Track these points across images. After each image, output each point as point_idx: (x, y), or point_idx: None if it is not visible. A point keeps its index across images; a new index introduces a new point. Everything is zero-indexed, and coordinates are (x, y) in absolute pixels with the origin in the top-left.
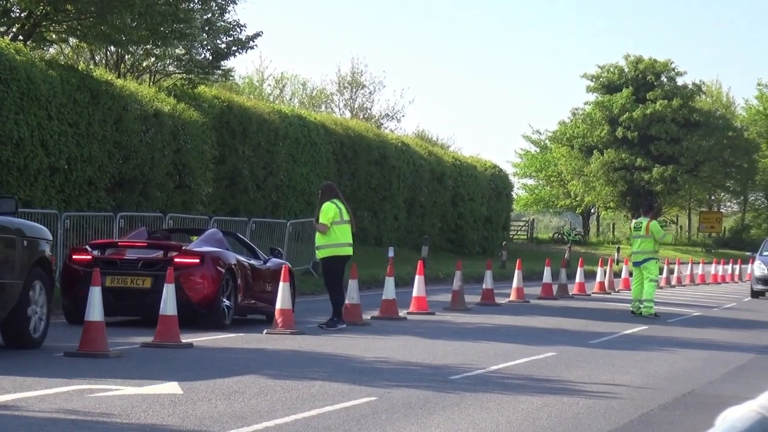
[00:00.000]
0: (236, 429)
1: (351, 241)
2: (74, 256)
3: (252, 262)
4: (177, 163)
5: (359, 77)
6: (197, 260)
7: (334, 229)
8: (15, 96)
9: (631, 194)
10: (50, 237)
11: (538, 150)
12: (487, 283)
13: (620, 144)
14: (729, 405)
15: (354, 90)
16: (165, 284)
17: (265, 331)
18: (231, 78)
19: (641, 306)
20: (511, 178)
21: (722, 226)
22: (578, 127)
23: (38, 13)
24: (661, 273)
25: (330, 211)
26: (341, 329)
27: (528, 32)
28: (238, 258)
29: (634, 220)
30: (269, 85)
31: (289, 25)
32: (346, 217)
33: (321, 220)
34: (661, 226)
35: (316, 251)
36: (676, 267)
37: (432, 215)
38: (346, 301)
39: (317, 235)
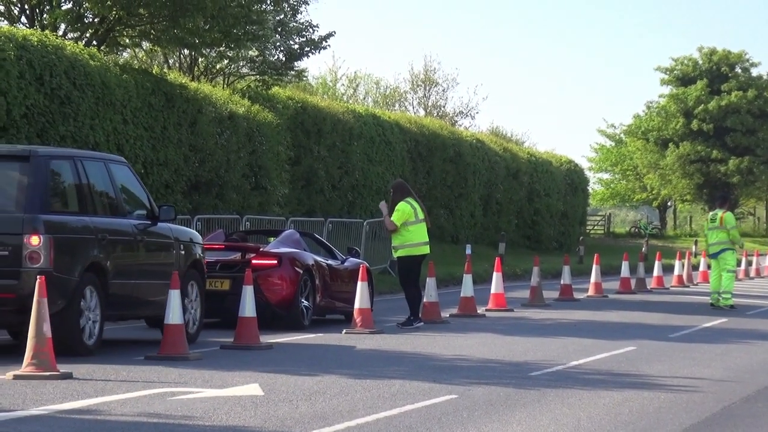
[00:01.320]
0: (318, 429)
1: (427, 240)
2: None
3: (330, 262)
4: (253, 165)
5: (432, 75)
6: (275, 261)
7: (410, 228)
8: (90, 101)
9: (708, 186)
10: (201, 240)
11: (613, 144)
12: (565, 278)
13: (696, 136)
14: None
15: (427, 88)
16: (243, 286)
17: (345, 330)
18: (304, 78)
19: (720, 297)
20: (586, 172)
21: None
22: (653, 120)
23: (111, 18)
24: (739, 264)
25: (404, 212)
26: (418, 328)
27: (600, 26)
28: (316, 258)
29: (709, 213)
30: (343, 84)
31: (361, 25)
32: (420, 215)
33: (393, 221)
34: (737, 218)
35: (393, 251)
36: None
37: (508, 212)
38: (425, 299)
39: (393, 235)
